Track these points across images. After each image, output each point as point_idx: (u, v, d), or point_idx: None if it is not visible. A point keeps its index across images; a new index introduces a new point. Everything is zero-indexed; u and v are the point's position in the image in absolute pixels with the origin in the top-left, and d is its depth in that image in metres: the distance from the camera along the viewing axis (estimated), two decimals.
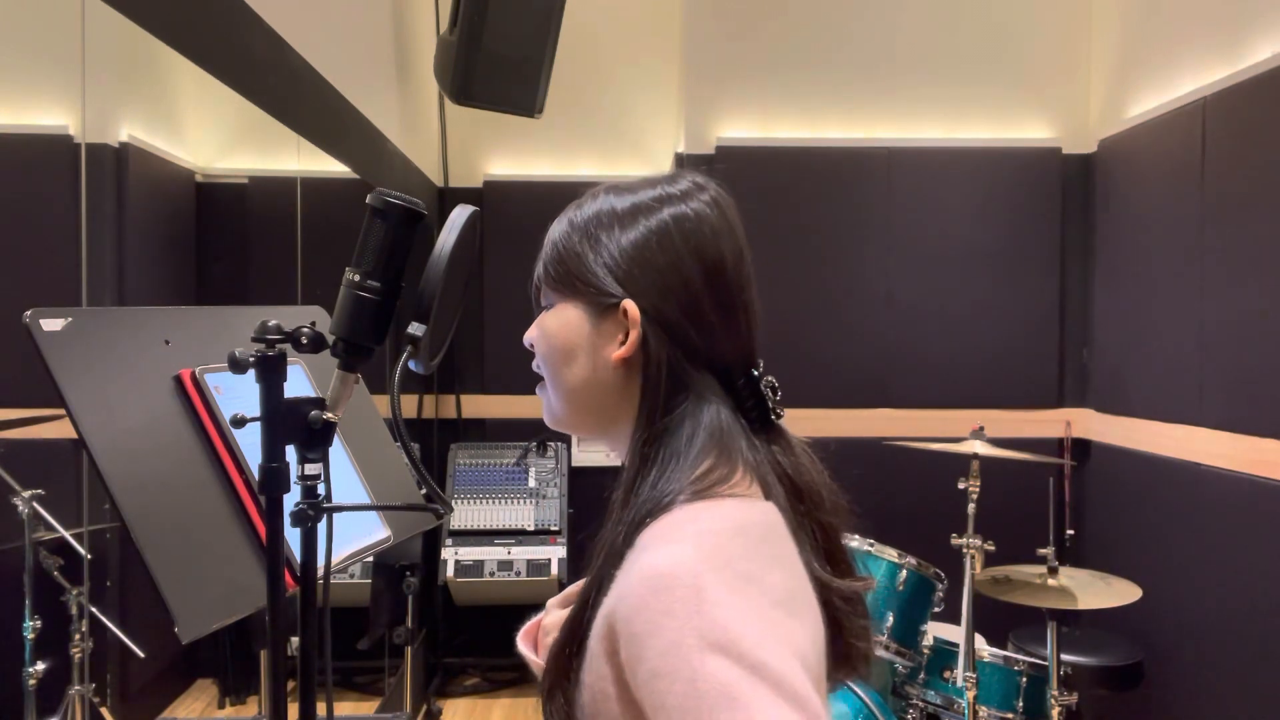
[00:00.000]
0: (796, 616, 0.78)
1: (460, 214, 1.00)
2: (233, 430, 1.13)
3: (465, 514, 3.85)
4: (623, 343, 0.89)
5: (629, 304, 0.89)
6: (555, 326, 0.93)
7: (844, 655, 0.88)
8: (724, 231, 0.93)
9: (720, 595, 0.73)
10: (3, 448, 1.99)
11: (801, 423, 0.96)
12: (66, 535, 2.03)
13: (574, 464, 4.04)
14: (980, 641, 2.78)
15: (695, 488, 0.83)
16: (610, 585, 0.81)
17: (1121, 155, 3.62)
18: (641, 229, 0.91)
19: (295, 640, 1.00)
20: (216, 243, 2.87)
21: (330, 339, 0.99)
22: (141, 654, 2.19)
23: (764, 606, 0.75)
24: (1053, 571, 2.65)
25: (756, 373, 0.92)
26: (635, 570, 0.78)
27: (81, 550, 2.05)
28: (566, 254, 0.93)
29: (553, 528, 3.83)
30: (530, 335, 0.97)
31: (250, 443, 1.06)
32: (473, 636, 4.16)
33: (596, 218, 0.93)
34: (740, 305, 0.92)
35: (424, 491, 1.25)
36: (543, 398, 0.98)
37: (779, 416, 0.93)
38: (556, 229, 0.97)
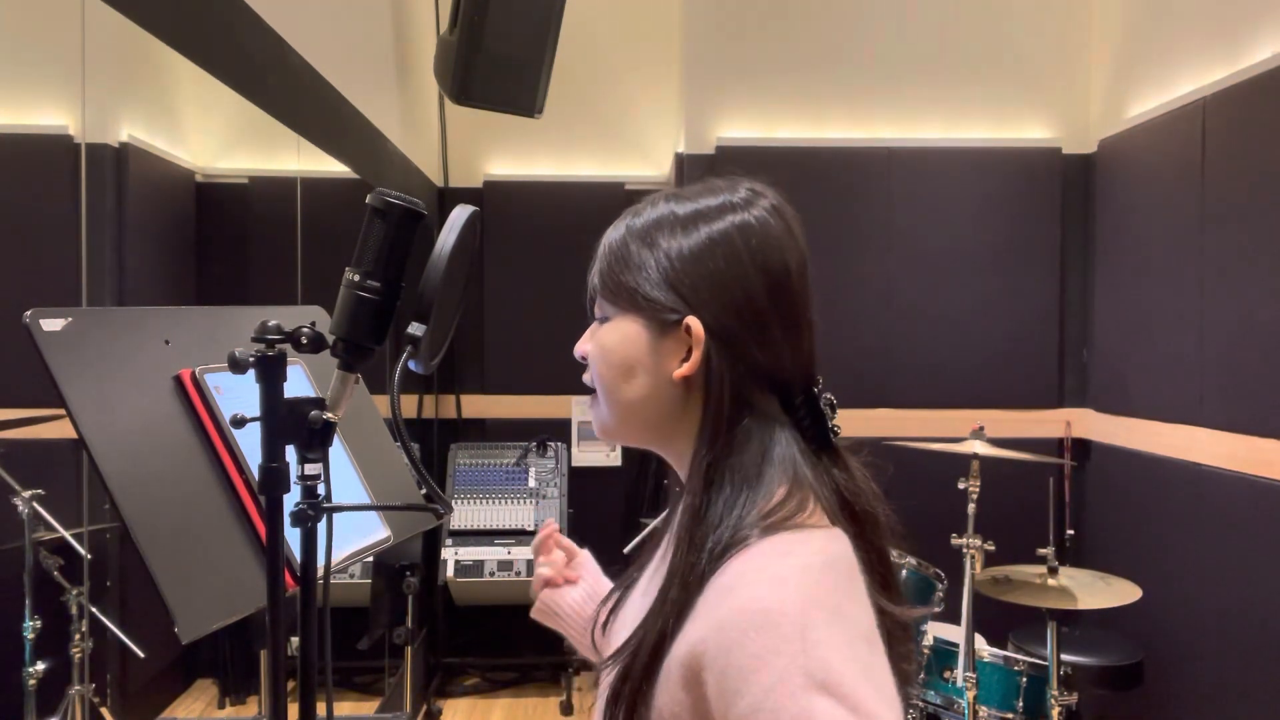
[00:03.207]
0: (875, 649, 0.78)
1: (460, 214, 1.00)
2: (233, 430, 1.13)
3: (465, 514, 3.85)
4: (685, 360, 0.87)
5: (693, 321, 0.86)
6: (614, 342, 0.91)
7: None
8: (787, 241, 0.90)
9: (823, 634, 0.73)
10: (3, 448, 1.99)
11: None
12: (66, 535, 2.03)
13: (574, 464, 4.03)
14: (980, 641, 2.78)
15: (770, 519, 0.82)
16: (691, 612, 0.80)
17: (1121, 155, 3.62)
18: (705, 241, 0.88)
19: (295, 640, 1.00)
20: (216, 243, 2.87)
21: (330, 339, 0.99)
22: (141, 654, 2.19)
23: (855, 642, 0.75)
24: (1053, 571, 2.65)
25: (816, 390, 0.90)
26: (733, 604, 0.77)
27: (81, 550, 2.05)
28: (626, 268, 0.90)
29: None
30: (583, 349, 0.95)
31: (250, 443, 1.06)
32: (473, 636, 4.16)
33: (657, 228, 0.90)
34: (804, 320, 0.90)
35: (424, 491, 1.25)
36: (593, 410, 0.96)
37: (836, 434, 0.91)
38: (613, 238, 0.93)
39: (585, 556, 1.22)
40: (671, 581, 0.84)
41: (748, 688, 0.72)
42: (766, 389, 0.88)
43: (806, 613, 0.74)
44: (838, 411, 0.92)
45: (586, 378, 0.95)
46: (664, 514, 1.00)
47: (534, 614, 1.20)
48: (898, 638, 0.86)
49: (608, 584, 1.18)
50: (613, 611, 0.98)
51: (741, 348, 0.87)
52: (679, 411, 0.90)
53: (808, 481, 0.85)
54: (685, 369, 0.87)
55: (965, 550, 2.68)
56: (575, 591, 1.17)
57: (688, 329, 0.86)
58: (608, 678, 0.86)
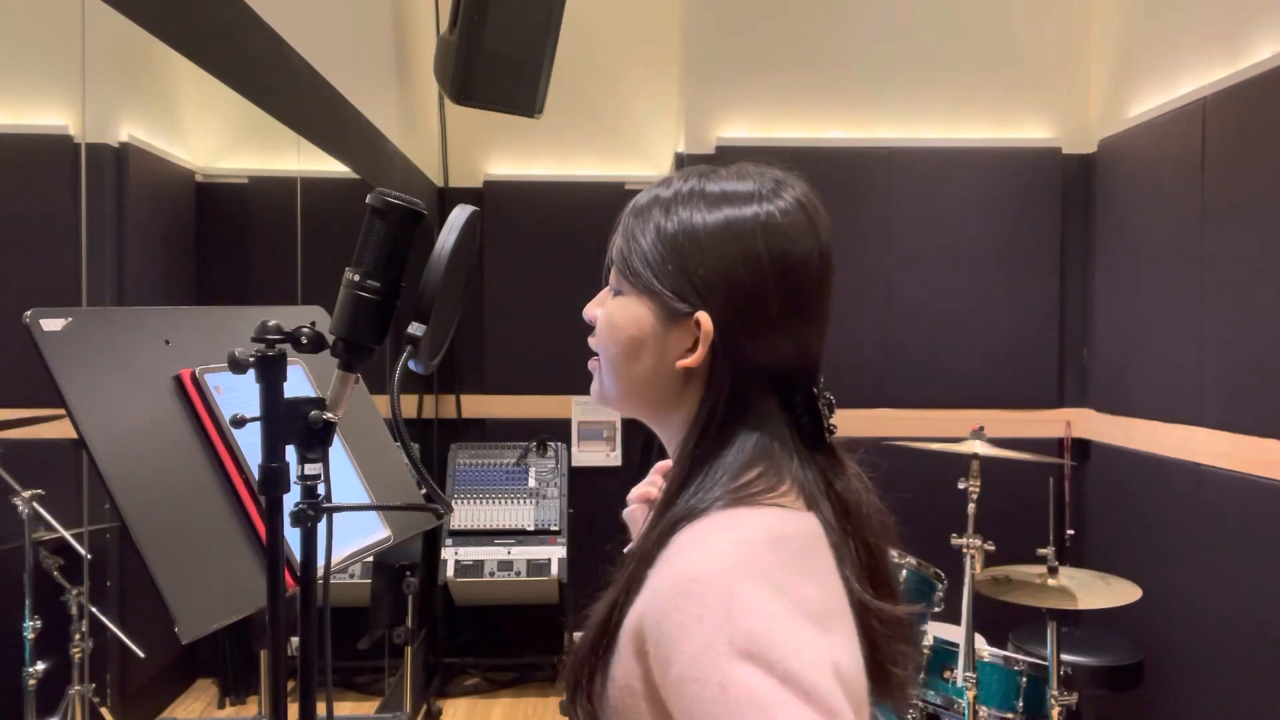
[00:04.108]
0: (830, 631, 0.77)
1: (460, 214, 1.00)
2: (233, 430, 1.13)
3: (465, 514, 3.85)
4: (690, 350, 0.87)
5: (703, 317, 0.86)
6: (623, 320, 0.91)
7: (880, 679, 0.86)
8: (809, 237, 0.89)
9: (753, 604, 0.73)
10: (3, 448, 1.99)
11: None
12: (66, 535, 2.03)
13: (574, 464, 4.03)
14: (980, 641, 2.78)
15: (735, 495, 0.82)
16: (642, 584, 0.81)
17: (1121, 155, 3.62)
18: (725, 229, 0.87)
19: (295, 640, 1.00)
20: (216, 243, 2.87)
21: (330, 339, 0.99)
22: (141, 654, 2.19)
23: (796, 618, 0.74)
24: (1053, 571, 2.65)
25: (816, 389, 0.90)
26: (668, 573, 0.78)
27: (81, 550, 2.05)
28: (646, 253, 0.90)
29: (553, 528, 3.83)
30: (593, 313, 0.96)
31: (250, 443, 1.06)
32: (473, 636, 4.16)
33: (682, 202, 0.90)
34: (816, 319, 0.89)
35: (424, 491, 1.25)
36: (594, 373, 0.97)
37: (832, 433, 0.91)
38: (641, 201, 0.93)
39: None
40: (631, 557, 0.85)
41: (676, 656, 0.73)
42: (767, 387, 0.88)
43: (735, 583, 0.74)
44: (835, 411, 0.92)
45: (593, 341, 0.96)
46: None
47: (625, 515, 1.18)
48: (884, 636, 0.85)
49: None
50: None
51: (748, 347, 0.87)
52: (677, 396, 0.91)
53: (787, 468, 0.86)
54: (689, 361, 0.87)
55: (965, 550, 2.68)
56: None
57: (697, 323, 0.87)
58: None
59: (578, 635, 0.94)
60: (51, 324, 1.03)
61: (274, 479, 0.95)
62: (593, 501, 4.02)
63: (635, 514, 1.16)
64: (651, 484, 1.16)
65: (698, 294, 0.87)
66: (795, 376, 0.89)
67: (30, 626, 2.00)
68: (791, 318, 0.87)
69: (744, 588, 0.74)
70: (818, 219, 0.91)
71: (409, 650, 3.40)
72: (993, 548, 2.68)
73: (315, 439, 0.97)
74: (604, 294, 0.95)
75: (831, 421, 0.91)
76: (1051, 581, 2.63)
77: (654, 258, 0.89)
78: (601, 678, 0.83)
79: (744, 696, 0.69)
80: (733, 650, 0.70)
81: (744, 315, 0.86)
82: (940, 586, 2.82)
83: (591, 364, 0.97)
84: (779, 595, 0.75)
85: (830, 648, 0.75)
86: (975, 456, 2.74)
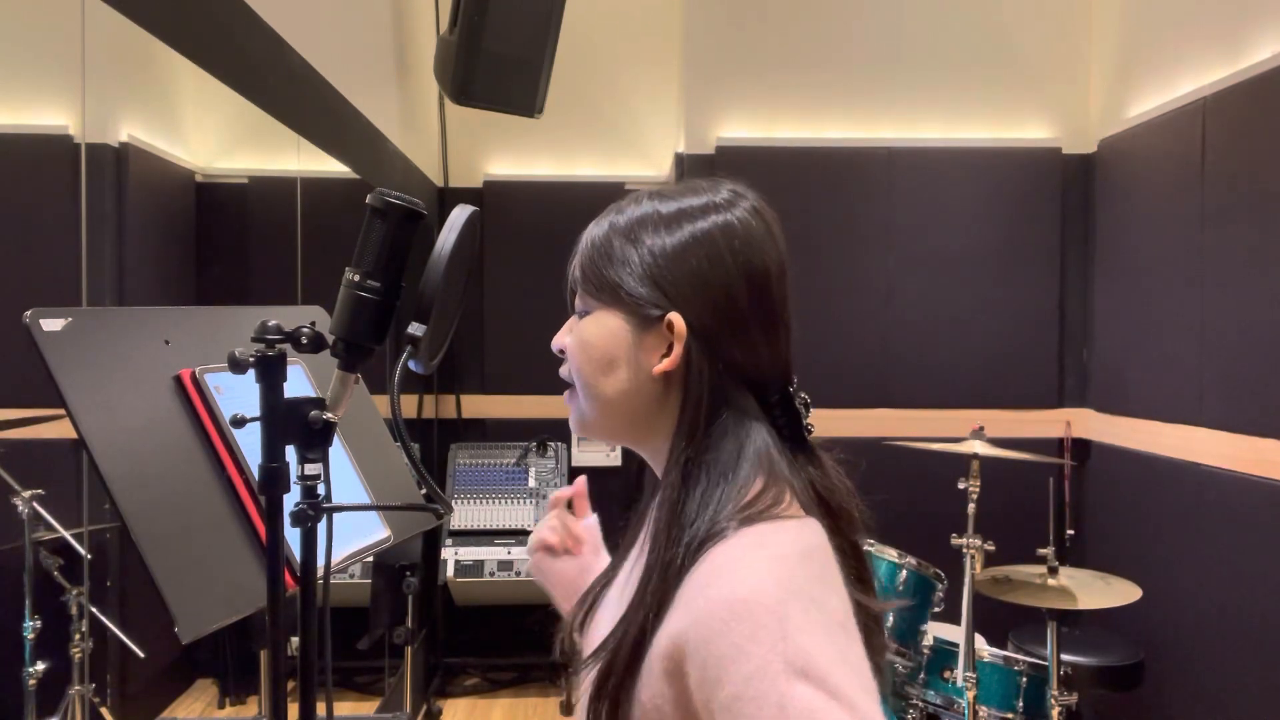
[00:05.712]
0: (852, 637, 0.79)
1: (460, 214, 1.00)
2: (233, 430, 1.13)
3: (465, 514, 3.85)
4: (665, 355, 0.88)
5: (675, 317, 0.87)
6: (595, 336, 0.91)
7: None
8: (768, 243, 0.91)
9: (801, 622, 0.74)
10: (3, 448, 1.99)
11: None
12: (66, 535, 2.03)
13: (574, 464, 4.03)
14: (980, 641, 2.78)
15: (747, 511, 0.83)
16: (670, 606, 0.81)
17: (1121, 155, 3.62)
18: (689, 240, 0.89)
19: (295, 640, 1.00)
20: (216, 243, 2.87)
21: (330, 339, 0.99)
22: (141, 654, 2.19)
23: (832, 630, 0.76)
24: (1053, 571, 2.65)
25: (791, 389, 0.92)
26: (713, 595, 0.78)
27: (81, 550, 2.05)
28: (609, 262, 0.91)
29: None
30: (562, 341, 0.96)
31: (250, 443, 1.06)
32: (473, 636, 4.16)
33: (640, 225, 0.91)
34: (781, 322, 0.91)
35: (424, 491, 1.25)
36: (570, 404, 0.96)
37: (810, 432, 0.92)
38: (596, 233, 0.94)
39: (592, 522, 1.23)
40: (650, 577, 0.85)
41: (729, 676, 0.73)
42: (744, 387, 0.89)
43: (784, 601, 0.75)
44: (812, 410, 0.94)
45: (564, 371, 0.96)
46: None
47: (529, 570, 1.21)
48: (874, 630, 0.88)
49: (605, 559, 1.18)
50: (590, 610, 0.98)
51: (721, 346, 0.88)
52: (657, 407, 0.91)
53: (783, 475, 0.87)
54: (666, 364, 0.88)
55: (965, 550, 2.68)
56: (570, 562, 1.18)
57: (669, 325, 0.87)
58: (589, 675, 0.86)
59: (584, 643, 0.93)
60: (51, 324, 1.03)
61: (274, 479, 0.95)
62: (593, 501, 4.01)
63: (543, 565, 1.17)
64: (552, 529, 1.17)
65: (668, 298, 0.88)
66: (769, 377, 0.90)
67: (30, 626, 2.00)
68: (760, 317, 0.89)
69: (793, 606, 0.75)
70: (774, 227, 0.93)
71: (409, 650, 3.40)
72: (993, 548, 2.68)
73: (315, 439, 0.97)
74: (570, 322, 0.96)
75: (809, 421, 0.92)
76: (1051, 581, 2.63)
77: (621, 272, 0.90)
78: (626, 702, 0.82)
79: (802, 713, 0.70)
80: (789, 669, 0.71)
81: (715, 315, 0.88)
82: (940, 586, 2.82)
83: (565, 395, 0.97)
84: (818, 610, 0.76)
85: (855, 655, 0.77)
86: (975, 456, 2.74)
